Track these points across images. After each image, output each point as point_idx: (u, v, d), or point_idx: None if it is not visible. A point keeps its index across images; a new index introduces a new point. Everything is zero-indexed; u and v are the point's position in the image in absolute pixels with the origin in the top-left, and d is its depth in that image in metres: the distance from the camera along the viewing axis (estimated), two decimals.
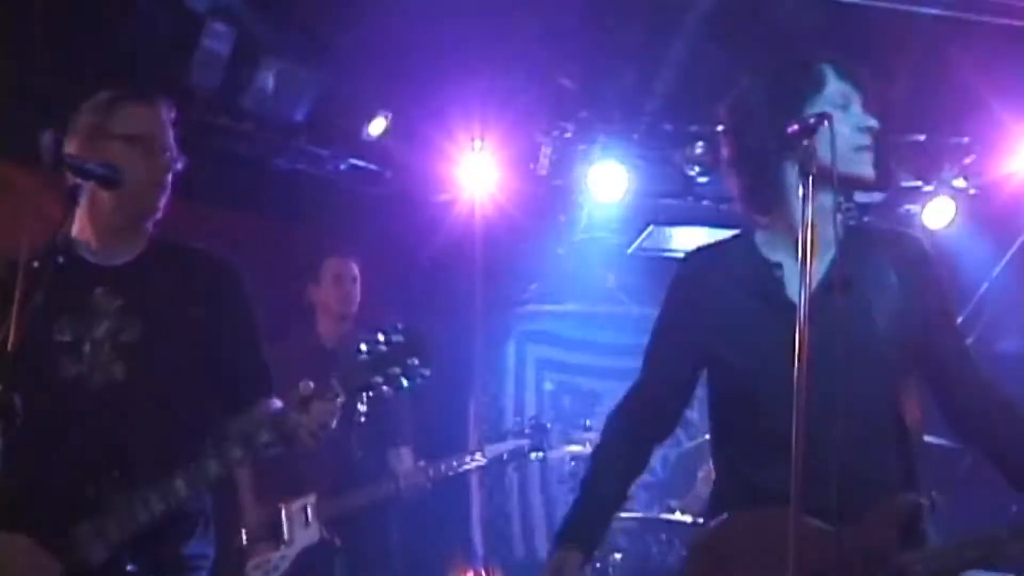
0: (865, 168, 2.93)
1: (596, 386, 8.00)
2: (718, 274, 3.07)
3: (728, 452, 3.11)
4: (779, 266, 2.98)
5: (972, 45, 6.69)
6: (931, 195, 7.89)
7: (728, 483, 3.10)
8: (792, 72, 2.98)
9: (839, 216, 2.88)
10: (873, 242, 3.00)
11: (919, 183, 7.81)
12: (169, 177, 3.46)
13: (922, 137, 7.70)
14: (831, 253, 2.94)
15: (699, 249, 3.22)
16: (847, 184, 2.95)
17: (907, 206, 8.11)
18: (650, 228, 7.90)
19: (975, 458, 3.11)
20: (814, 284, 2.79)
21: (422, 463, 5.85)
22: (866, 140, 2.92)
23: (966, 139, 7.77)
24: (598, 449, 3.28)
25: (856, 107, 2.94)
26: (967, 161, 7.76)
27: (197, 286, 3.51)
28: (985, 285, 8.37)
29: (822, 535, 2.67)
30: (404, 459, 5.90)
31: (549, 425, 6.36)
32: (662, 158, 7.06)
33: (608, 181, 7.08)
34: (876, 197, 8.08)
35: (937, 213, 7.94)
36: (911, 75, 6.68)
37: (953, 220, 7.96)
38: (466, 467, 6.04)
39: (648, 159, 7.15)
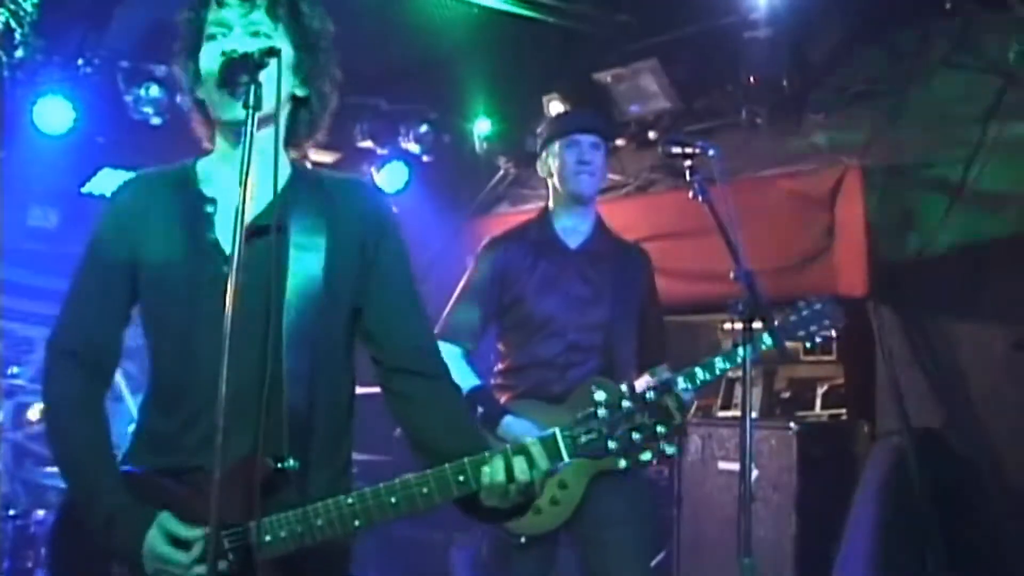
0: (227, 111, 2.67)
1: (30, 332, 7.53)
2: (153, 204, 2.79)
3: (149, 397, 2.83)
4: (212, 201, 2.77)
5: (437, 15, 6.89)
6: (386, 159, 8.07)
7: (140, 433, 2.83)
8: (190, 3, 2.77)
9: (284, 158, 2.80)
10: (317, 188, 2.83)
11: (374, 146, 7.96)
12: None
13: (381, 101, 7.85)
14: (269, 195, 2.68)
15: (138, 176, 2.88)
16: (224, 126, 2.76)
17: (362, 168, 8.25)
18: (104, 170, 7.53)
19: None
20: (245, 224, 2.54)
21: None
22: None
23: (423, 107, 8.01)
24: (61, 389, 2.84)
25: (228, 38, 2.68)
26: (423, 129, 7.99)
27: None
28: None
29: (186, 497, 2.62)
30: None
31: None
32: (114, 97, 6.72)
33: (55, 116, 6.65)
34: (329, 157, 8.21)
35: (391, 176, 8.15)
36: (374, 39, 6.77)
37: (406, 184, 8.19)
38: None
39: (103, 97, 6.78)
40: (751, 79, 6.59)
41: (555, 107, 7.40)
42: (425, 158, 8.16)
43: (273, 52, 2.54)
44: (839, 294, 5.82)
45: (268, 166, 2.65)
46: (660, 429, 2.52)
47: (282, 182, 2.77)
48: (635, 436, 2.52)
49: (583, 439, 2.56)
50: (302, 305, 2.67)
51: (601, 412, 2.55)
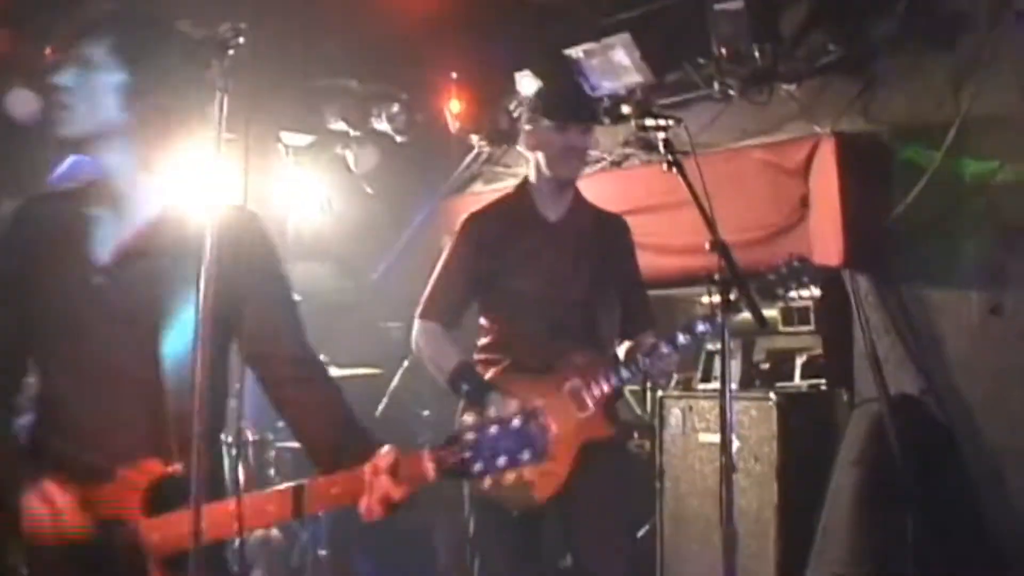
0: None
1: None
2: (40, 221, 2.83)
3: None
4: (94, 220, 2.82)
5: None
6: (358, 140, 8.05)
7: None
8: None
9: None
10: (191, 210, 2.79)
11: (347, 127, 7.94)
12: None
13: (353, 83, 7.83)
14: (145, 218, 2.79)
15: (36, 197, 2.93)
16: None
17: (336, 149, 8.24)
18: (71, 159, 7.48)
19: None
20: (121, 246, 2.77)
21: None
22: None
23: (395, 87, 7.99)
24: None
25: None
26: (395, 109, 7.98)
27: None
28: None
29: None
30: None
31: None
32: None
33: (22, 105, 6.62)
34: (304, 140, 8.18)
35: (364, 157, 8.13)
36: (344, 20, 6.74)
37: (378, 166, 8.18)
38: None
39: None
40: (722, 51, 6.58)
41: (527, 84, 7.38)
42: (398, 138, 8.14)
43: (238, 31, 2.50)
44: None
45: (133, 189, 2.76)
46: (524, 455, 2.49)
47: (156, 206, 2.79)
48: (499, 461, 2.49)
49: (450, 460, 2.54)
50: (180, 320, 2.70)
51: (469, 436, 2.51)
